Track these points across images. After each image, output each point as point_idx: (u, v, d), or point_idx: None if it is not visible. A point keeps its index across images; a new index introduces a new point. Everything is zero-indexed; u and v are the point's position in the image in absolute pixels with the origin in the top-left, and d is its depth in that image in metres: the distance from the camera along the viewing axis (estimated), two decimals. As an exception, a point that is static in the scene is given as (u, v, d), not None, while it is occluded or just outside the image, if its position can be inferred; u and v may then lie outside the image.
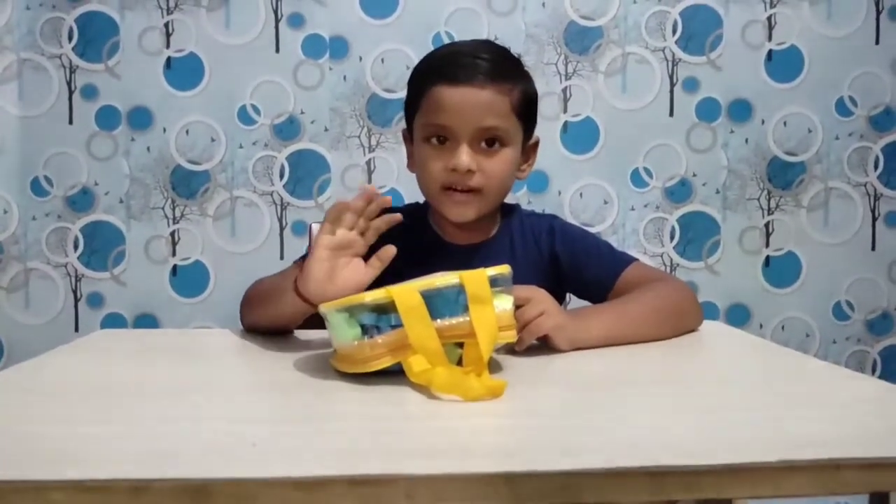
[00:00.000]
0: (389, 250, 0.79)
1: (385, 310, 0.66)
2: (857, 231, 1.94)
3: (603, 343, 0.84)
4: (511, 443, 0.52)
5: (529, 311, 0.79)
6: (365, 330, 0.66)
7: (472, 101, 0.93)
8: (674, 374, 0.76)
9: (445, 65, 0.97)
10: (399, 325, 0.65)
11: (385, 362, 0.66)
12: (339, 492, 0.42)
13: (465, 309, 0.66)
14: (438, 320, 0.66)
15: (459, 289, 0.67)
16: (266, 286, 0.96)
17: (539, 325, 0.79)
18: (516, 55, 1.03)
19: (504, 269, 0.71)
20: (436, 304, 0.66)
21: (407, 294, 0.65)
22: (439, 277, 0.68)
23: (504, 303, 0.70)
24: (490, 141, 0.95)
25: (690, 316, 0.95)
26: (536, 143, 1.05)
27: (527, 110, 0.99)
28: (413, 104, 1.01)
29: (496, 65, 0.96)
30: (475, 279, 0.67)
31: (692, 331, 0.95)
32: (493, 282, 0.68)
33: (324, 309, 0.70)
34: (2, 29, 1.77)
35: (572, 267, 1.03)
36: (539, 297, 0.81)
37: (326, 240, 0.79)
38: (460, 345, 0.68)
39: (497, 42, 1.06)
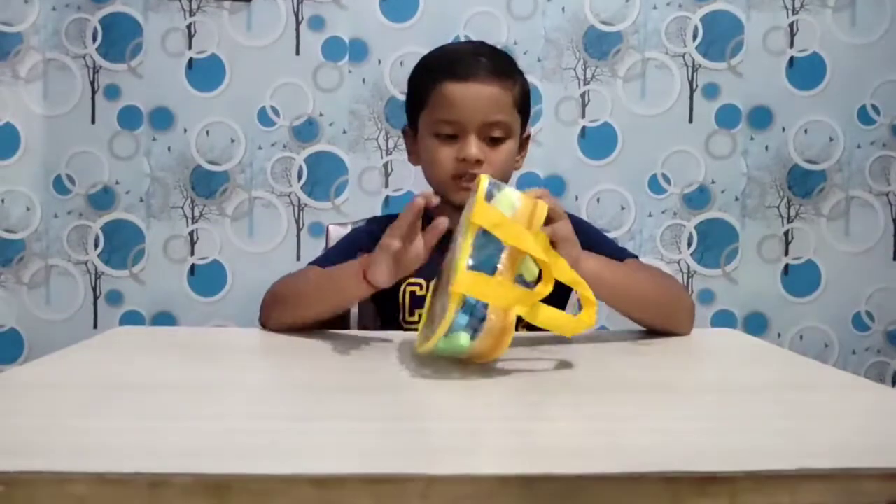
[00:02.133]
0: (442, 223, 0.80)
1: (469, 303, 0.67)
2: (878, 241, 1.92)
3: (592, 278, 0.83)
4: (527, 445, 0.52)
5: (556, 211, 0.80)
6: (471, 328, 0.67)
7: (479, 97, 0.99)
8: (690, 381, 0.76)
9: (452, 63, 1.03)
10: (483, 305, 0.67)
11: (506, 341, 0.68)
12: (355, 490, 0.42)
13: (498, 241, 0.69)
14: (490, 272, 0.68)
15: (481, 233, 0.69)
16: (311, 283, 0.98)
17: (557, 228, 0.80)
18: (509, 54, 1.10)
19: (484, 181, 0.73)
20: (482, 262, 0.68)
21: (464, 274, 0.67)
22: (462, 244, 0.69)
23: (512, 201, 0.71)
24: (495, 134, 1.01)
25: (684, 312, 0.96)
26: (528, 137, 1.11)
27: (524, 105, 1.06)
28: (419, 101, 1.05)
29: (497, 63, 1.03)
30: (481, 215, 0.69)
31: (681, 327, 0.95)
32: (489, 197, 0.71)
33: (424, 350, 0.71)
34: (28, 29, 1.80)
35: None
36: (561, 209, 0.82)
37: (397, 235, 0.82)
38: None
39: (513, 46, 1.09)
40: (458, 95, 0.99)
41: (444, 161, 1.01)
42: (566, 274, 0.71)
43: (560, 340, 0.91)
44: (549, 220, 0.78)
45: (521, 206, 0.71)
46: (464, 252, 0.68)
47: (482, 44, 1.10)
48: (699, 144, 1.89)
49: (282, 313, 0.97)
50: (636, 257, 1.07)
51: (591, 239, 1.06)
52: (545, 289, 0.69)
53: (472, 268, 0.68)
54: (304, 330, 0.95)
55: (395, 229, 0.81)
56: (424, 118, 1.04)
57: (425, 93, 1.03)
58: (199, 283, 1.84)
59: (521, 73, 1.07)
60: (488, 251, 0.69)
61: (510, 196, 0.72)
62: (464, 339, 0.67)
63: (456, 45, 1.15)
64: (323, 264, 1.03)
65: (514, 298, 0.67)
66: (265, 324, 0.99)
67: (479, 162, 0.99)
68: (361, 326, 1.25)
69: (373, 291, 0.87)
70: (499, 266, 0.68)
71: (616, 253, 1.05)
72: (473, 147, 0.99)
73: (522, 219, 0.71)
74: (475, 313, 0.67)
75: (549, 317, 0.69)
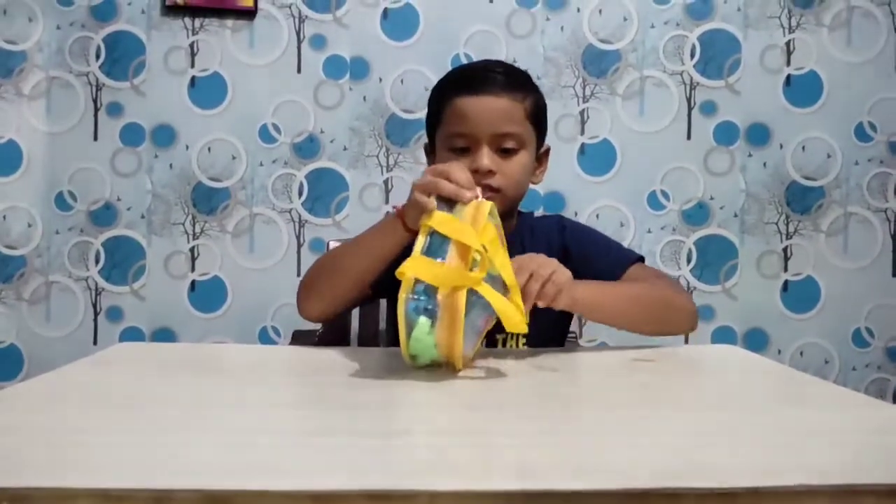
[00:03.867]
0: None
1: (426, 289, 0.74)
2: (876, 257, 1.92)
3: (587, 308, 0.91)
4: (531, 461, 0.52)
5: (545, 274, 0.84)
6: (426, 311, 0.73)
7: (490, 109, 1.01)
8: (691, 397, 0.76)
9: (464, 79, 1.06)
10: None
11: (460, 321, 0.73)
12: (358, 506, 0.42)
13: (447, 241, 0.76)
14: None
15: (435, 234, 0.77)
16: (347, 244, 1.02)
17: (553, 291, 0.84)
18: (525, 71, 1.12)
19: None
20: (434, 255, 0.76)
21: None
22: (417, 243, 0.77)
23: (460, 208, 0.80)
24: (507, 145, 1.03)
25: (678, 313, 0.99)
26: (548, 151, 1.13)
27: (538, 119, 1.07)
28: (435, 118, 1.08)
29: (509, 77, 1.05)
30: (432, 218, 0.78)
31: (680, 330, 0.98)
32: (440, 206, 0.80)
33: (406, 359, 0.75)
34: (32, 47, 1.82)
35: (582, 259, 1.06)
36: (544, 261, 0.86)
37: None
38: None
39: (515, 65, 1.14)
40: (468, 109, 1.01)
41: None
42: (507, 272, 0.77)
43: (561, 357, 0.92)
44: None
45: (466, 208, 0.79)
46: (416, 247, 0.76)
47: (497, 62, 1.12)
48: (698, 161, 1.90)
49: (323, 283, 1.00)
50: (642, 259, 1.08)
51: (598, 243, 1.10)
52: (480, 274, 0.74)
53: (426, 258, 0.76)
54: (344, 304, 1.00)
55: (427, 184, 0.84)
56: (440, 134, 1.06)
57: (440, 110, 1.06)
58: (200, 300, 1.85)
59: (535, 88, 1.08)
60: (442, 249, 0.75)
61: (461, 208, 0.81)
62: (423, 323, 0.72)
63: (471, 63, 1.19)
64: None
65: (452, 277, 0.73)
66: (305, 306, 1.00)
67: (491, 172, 1.01)
68: (362, 343, 1.25)
69: (409, 237, 0.89)
70: (447, 255, 0.75)
71: (620, 256, 1.08)
72: (485, 158, 1.00)
73: (467, 217, 0.78)
74: (428, 299, 0.73)
75: (497, 304, 0.75)
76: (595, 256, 1.07)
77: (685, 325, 1.00)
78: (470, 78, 1.05)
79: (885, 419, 0.65)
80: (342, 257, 1.00)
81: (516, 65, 1.14)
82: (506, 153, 1.02)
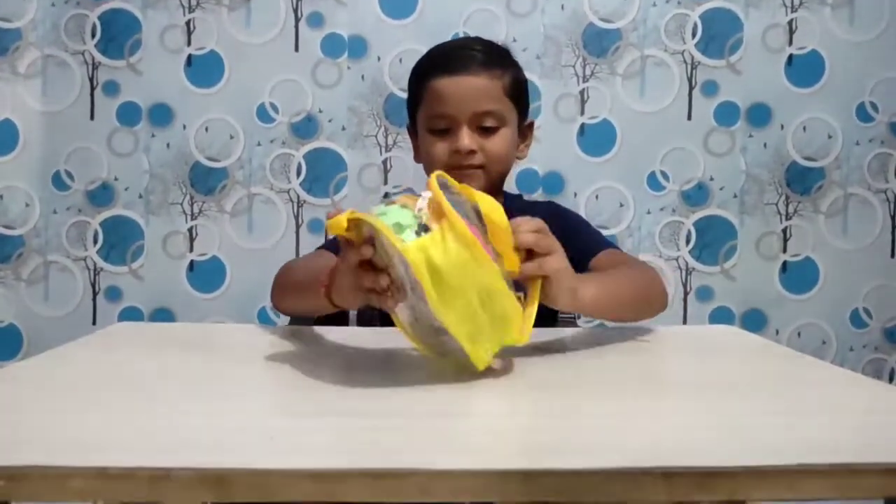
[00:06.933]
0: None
1: None
2: (876, 238, 1.92)
3: (589, 308, 0.83)
4: (526, 440, 0.52)
5: (542, 245, 0.75)
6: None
7: (468, 88, 1.02)
8: (689, 377, 0.76)
9: (441, 59, 1.07)
10: None
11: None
12: (356, 485, 0.42)
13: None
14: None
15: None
16: (299, 276, 0.96)
17: (546, 263, 0.74)
18: (504, 46, 1.13)
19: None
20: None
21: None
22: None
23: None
24: (487, 123, 1.03)
25: (656, 302, 0.99)
26: (531, 125, 1.13)
27: (518, 94, 1.08)
28: (415, 100, 1.09)
29: (487, 54, 1.06)
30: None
31: (654, 315, 0.98)
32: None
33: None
34: (27, 25, 1.80)
35: (561, 237, 1.03)
36: (550, 238, 0.78)
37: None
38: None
39: (512, 43, 1.14)
40: (446, 89, 1.02)
41: (440, 154, 1.04)
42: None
43: (559, 336, 0.92)
44: (533, 255, 0.74)
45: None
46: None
47: (475, 38, 1.12)
48: (698, 142, 1.89)
49: (280, 300, 1.01)
50: (616, 247, 1.10)
51: (571, 226, 1.11)
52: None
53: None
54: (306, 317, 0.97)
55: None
56: (420, 115, 1.08)
57: (419, 91, 1.07)
58: (198, 280, 1.84)
59: (514, 63, 1.09)
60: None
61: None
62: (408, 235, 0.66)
63: (448, 42, 1.23)
64: (333, 247, 1.04)
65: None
66: (272, 302, 1.02)
67: (472, 152, 1.02)
68: (361, 323, 1.26)
69: (337, 310, 0.81)
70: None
71: (594, 242, 1.08)
72: (465, 138, 1.02)
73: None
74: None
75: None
76: (571, 240, 0.98)
77: (660, 309, 0.99)
78: (447, 58, 1.06)
79: (882, 400, 0.65)
80: (292, 291, 0.95)
81: (515, 44, 1.14)
82: (486, 131, 1.03)
